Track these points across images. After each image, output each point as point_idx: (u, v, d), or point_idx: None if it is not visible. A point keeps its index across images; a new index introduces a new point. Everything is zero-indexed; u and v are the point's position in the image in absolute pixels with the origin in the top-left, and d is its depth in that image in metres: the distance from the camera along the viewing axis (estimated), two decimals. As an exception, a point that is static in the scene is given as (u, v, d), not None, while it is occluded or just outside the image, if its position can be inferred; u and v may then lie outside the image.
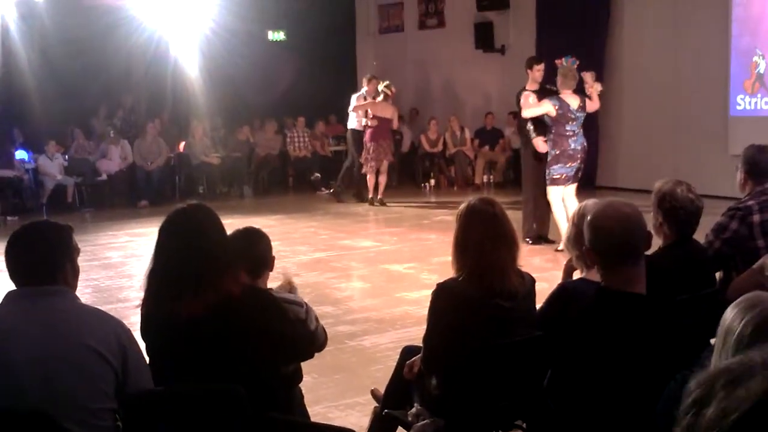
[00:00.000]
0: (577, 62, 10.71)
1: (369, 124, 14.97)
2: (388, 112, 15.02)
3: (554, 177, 10.65)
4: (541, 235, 11.30)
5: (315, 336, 4.24)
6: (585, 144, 10.82)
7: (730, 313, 1.91)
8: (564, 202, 10.67)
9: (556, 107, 10.47)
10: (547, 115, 10.57)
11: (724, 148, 13.74)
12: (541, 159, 10.93)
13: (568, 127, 10.55)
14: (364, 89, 15.37)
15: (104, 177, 16.20)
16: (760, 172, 5.17)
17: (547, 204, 10.88)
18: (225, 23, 16.39)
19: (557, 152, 10.60)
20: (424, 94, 19.65)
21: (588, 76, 10.77)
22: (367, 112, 14.94)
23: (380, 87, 14.95)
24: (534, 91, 11.00)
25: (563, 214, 10.62)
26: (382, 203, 15.21)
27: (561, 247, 10.56)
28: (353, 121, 15.58)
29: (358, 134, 15.40)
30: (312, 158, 17.99)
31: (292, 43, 19.57)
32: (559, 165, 10.61)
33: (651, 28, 15.17)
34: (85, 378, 3.19)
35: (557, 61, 10.81)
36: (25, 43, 16.06)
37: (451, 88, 19.24)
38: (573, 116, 10.54)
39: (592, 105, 10.78)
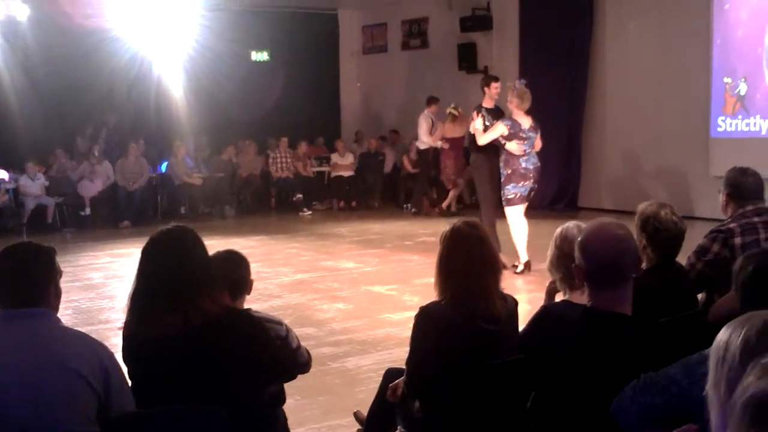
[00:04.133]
0: (525, 82, 10.86)
1: (442, 146, 16.36)
2: (458, 132, 15.74)
3: (508, 197, 10.69)
4: None
5: (297, 354, 4.23)
6: (538, 164, 10.82)
7: (723, 334, 1.91)
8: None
9: (508, 126, 10.56)
10: (500, 135, 10.65)
11: (706, 170, 13.82)
12: (493, 179, 10.99)
13: (522, 146, 10.60)
14: (425, 111, 16.58)
15: (88, 212, 16.17)
16: (742, 194, 5.19)
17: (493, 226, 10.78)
18: (208, 43, 16.40)
19: (509, 172, 10.65)
20: (407, 114, 19.64)
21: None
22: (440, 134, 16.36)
23: (448, 110, 16.08)
24: (489, 110, 11.09)
25: (523, 236, 10.69)
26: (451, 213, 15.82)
27: (519, 269, 10.66)
28: (422, 143, 16.75)
29: (425, 153, 16.82)
30: (294, 179, 17.99)
31: (276, 64, 19.60)
32: (512, 185, 10.64)
33: (634, 50, 15.26)
34: (68, 401, 3.16)
35: (511, 83, 11.05)
36: (7, 63, 16.04)
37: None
38: (525, 136, 10.59)
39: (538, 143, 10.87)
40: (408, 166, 17.99)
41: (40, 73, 16.04)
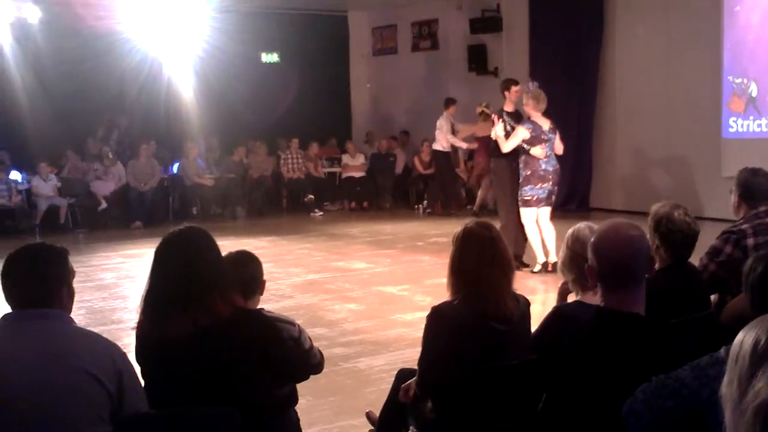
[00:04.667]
0: (538, 84, 10.86)
1: (469, 147, 16.78)
2: (490, 130, 15.47)
3: (525, 198, 10.67)
4: (517, 256, 11.31)
5: (309, 355, 4.23)
6: (557, 166, 10.83)
7: (740, 334, 1.91)
8: (538, 225, 10.75)
9: (530, 130, 10.54)
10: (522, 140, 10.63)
11: (717, 170, 13.78)
12: (513, 180, 10.98)
13: (545, 150, 10.60)
14: (444, 113, 16.50)
15: (104, 205, 16.21)
16: (753, 195, 5.18)
17: (520, 225, 10.87)
18: (218, 45, 16.41)
19: (528, 173, 10.63)
20: (418, 116, 19.67)
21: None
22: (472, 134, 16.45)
23: (479, 109, 15.72)
24: (510, 114, 11.06)
25: (537, 237, 10.71)
26: (475, 214, 15.45)
27: (536, 269, 10.68)
28: (439, 143, 16.65)
29: (443, 155, 16.75)
30: (305, 180, 18.01)
31: (286, 65, 19.61)
32: (530, 186, 10.63)
33: (644, 51, 15.23)
34: (80, 402, 3.17)
35: (523, 86, 11.04)
36: (19, 65, 16.09)
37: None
38: (546, 138, 10.59)
39: (557, 149, 10.84)
40: (419, 167, 17.99)
41: (51, 74, 16.08)
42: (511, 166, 10.94)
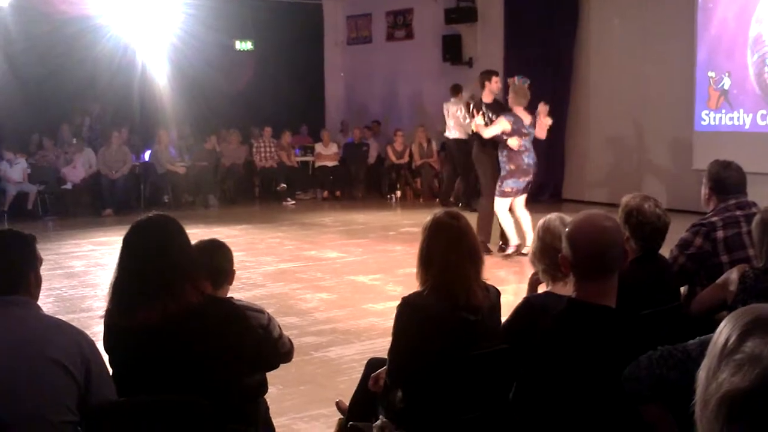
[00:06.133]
0: (528, 82, 10.93)
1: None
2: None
3: (505, 190, 10.86)
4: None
5: (279, 343, 4.22)
6: (536, 159, 11.05)
7: (720, 325, 1.91)
8: (514, 212, 10.98)
9: (511, 122, 10.65)
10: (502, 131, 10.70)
11: (689, 163, 13.87)
12: (494, 171, 11.09)
13: (522, 142, 10.70)
14: (452, 99, 15.74)
15: (69, 186, 16.07)
16: (724, 188, 5.20)
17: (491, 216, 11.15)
18: (192, 32, 16.33)
19: (512, 167, 10.79)
20: (391, 105, 19.68)
21: (542, 108, 10.92)
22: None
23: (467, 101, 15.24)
24: (488, 105, 11.10)
25: (510, 221, 10.98)
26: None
27: (510, 251, 10.97)
28: (455, 131, 15.58)
29: (462, 143, 15.18)
30: (278, 168, 17.95)
31: (260, 53, 19.54)
32: (512, 180, 10.82)
33: (618, 44, 15.29)
34: (47, 390, 3.14)
35: (510, 80, 11.11)
36: (-12, 50, 15.96)
37: (418, 100, 19.28)
38: (526, 131, 10.75)
39: (539, 133, 10.96)
40: (392, 157, 17.99)
41: (22, 59, 15.96)
42: (492, 156, 11.07)
